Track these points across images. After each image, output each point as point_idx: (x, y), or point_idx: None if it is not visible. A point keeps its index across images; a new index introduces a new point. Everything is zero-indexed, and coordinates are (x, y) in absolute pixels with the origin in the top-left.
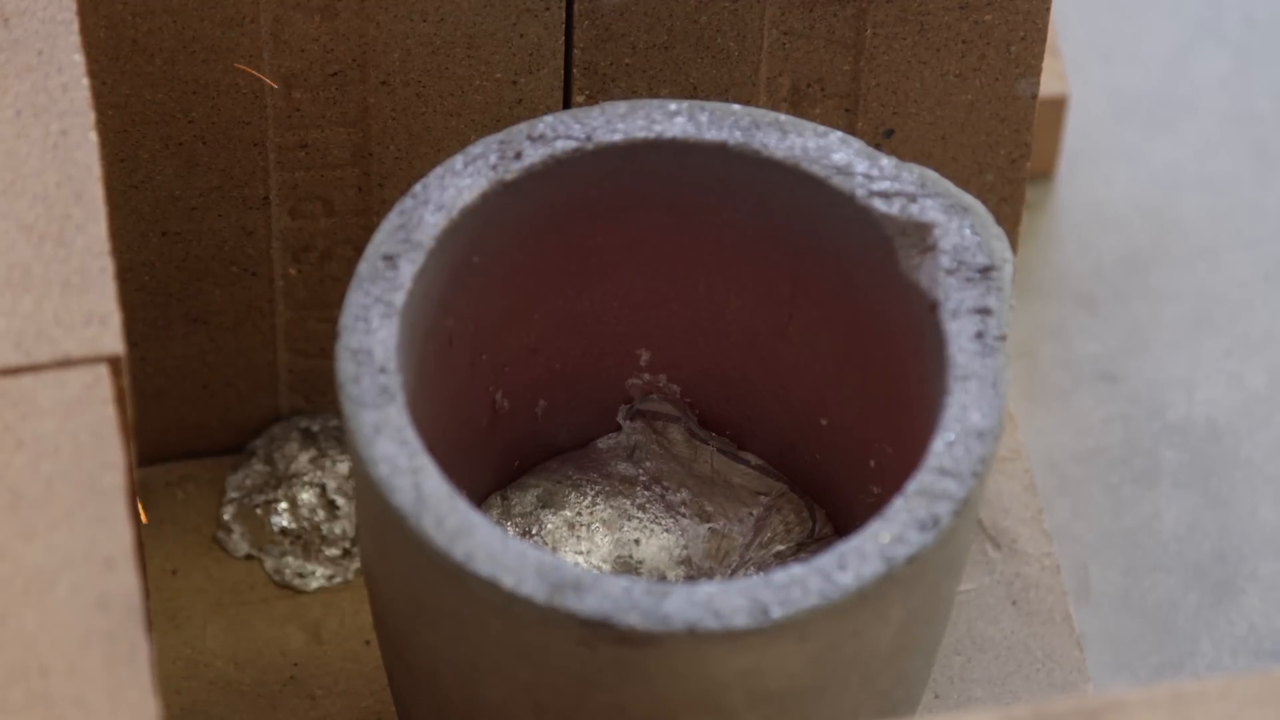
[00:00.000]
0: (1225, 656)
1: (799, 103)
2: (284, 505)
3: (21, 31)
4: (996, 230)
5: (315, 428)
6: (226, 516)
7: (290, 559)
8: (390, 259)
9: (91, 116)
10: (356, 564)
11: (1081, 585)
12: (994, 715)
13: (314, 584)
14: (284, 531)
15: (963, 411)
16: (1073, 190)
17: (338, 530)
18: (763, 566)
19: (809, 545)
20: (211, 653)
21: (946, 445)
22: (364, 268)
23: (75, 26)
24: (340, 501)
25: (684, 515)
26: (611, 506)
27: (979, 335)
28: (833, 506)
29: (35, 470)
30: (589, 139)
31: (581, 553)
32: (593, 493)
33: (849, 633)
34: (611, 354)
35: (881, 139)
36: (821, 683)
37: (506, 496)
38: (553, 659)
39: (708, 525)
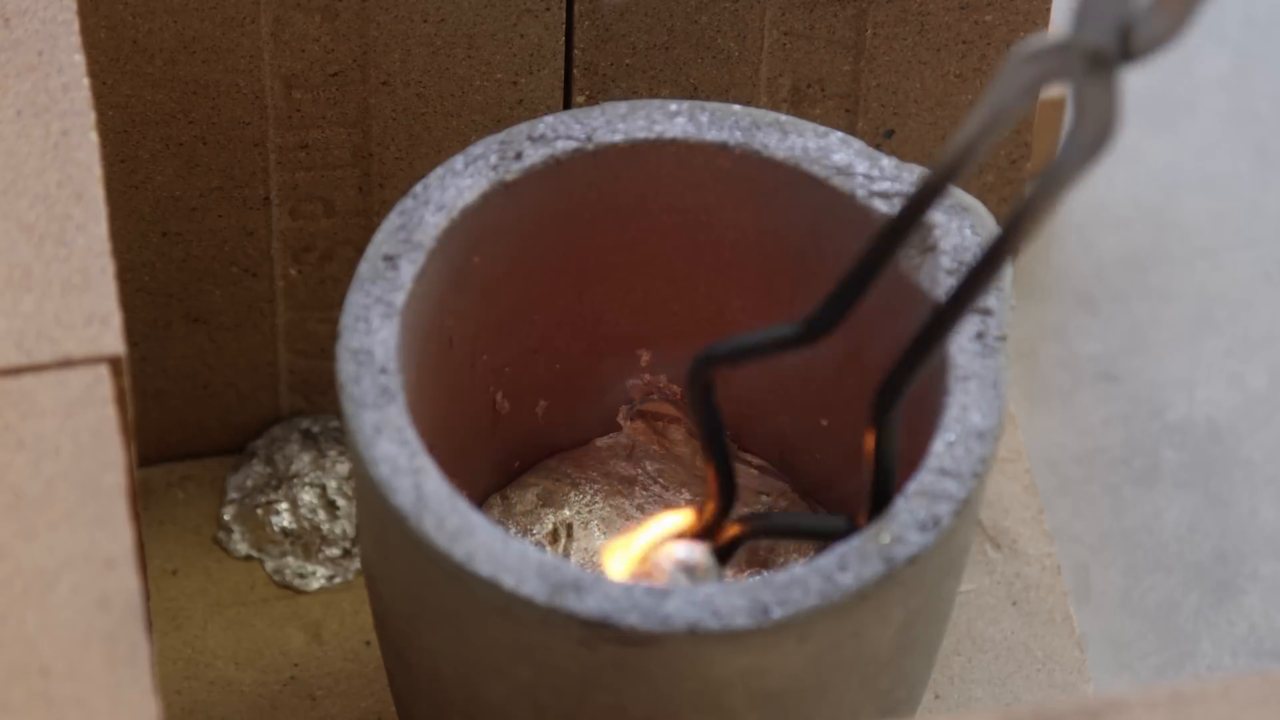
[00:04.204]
0: (1226, 656)
1: (799, 103)
2: (284, 506)
3: (22, 32)
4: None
5: (315, 428)
6: (227, 517)
7: (290, 559)
8: (391, 259)
9: (92, 117)
10: (357, 564)
11: (1082, 585)
12: (994, 715)
13: (314, 584)
14: (284, 532)
15: (963, 412)
16: (1073, 190)
17: (338, 530)
18: None
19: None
20: (212, 653)
21: (947, 446)
22: (364, 268)
23: (75, 27)
24: (340, 502)
25: None
26: (611, 506)
27: (979, 336)
28: (833, 507)
29: (36, 470)
30: (589, 139)
31: (581, 552)
32: (592, 491)
33: (849, 633)
34: (612, 354)
35: (882, 139)
36: (822, 683)
37: (507, 496)
38: (553, 659)
39: None
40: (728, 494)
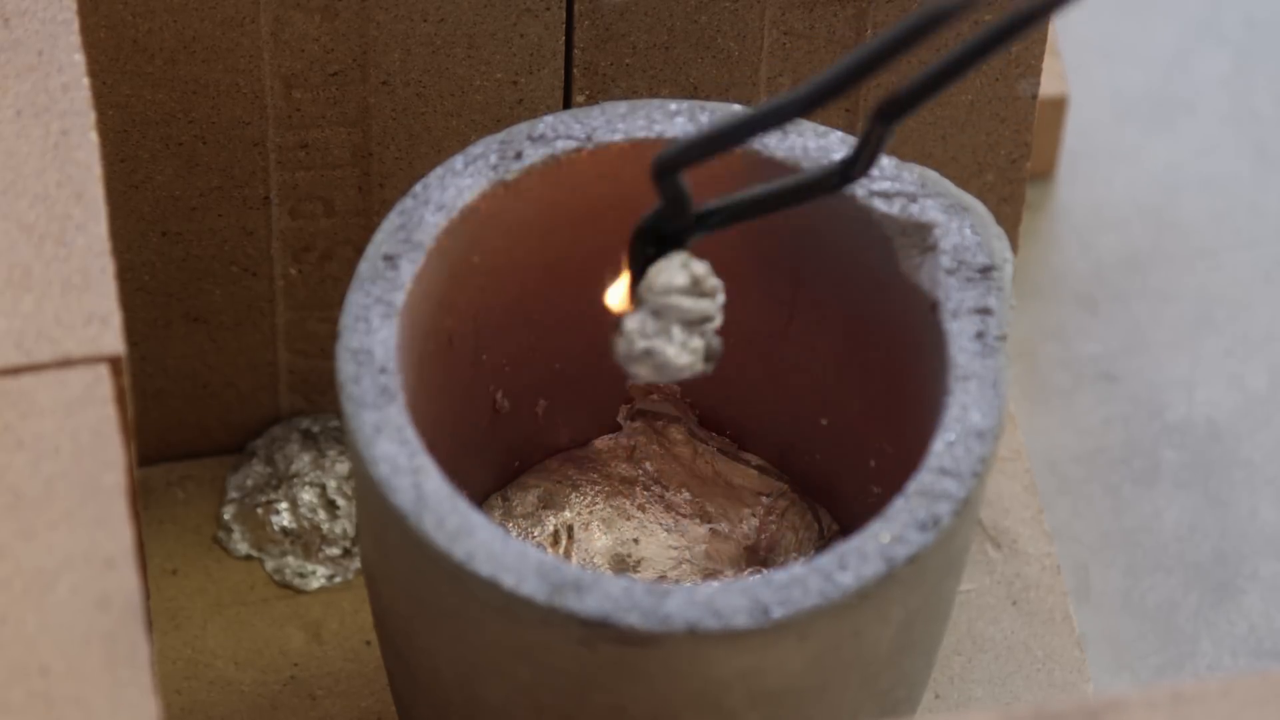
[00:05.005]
0: (1225, 656)
1: None
2: (284, 505)
3: (22, 31)
4: (997, 230)
5: (315, 428)
6: (227, 516)
7: (290, 559)
8: (391, 259)
9: (92, 116)
10: (356, 564)
11: (1082, 585)
12: (994, 715)
13: (314, 584)
14: (284, 531)
15: (963, 411)
16: (1073, 190)
17: (338, 530)
18: None
19: (823, 547)
20: (211, 653)
21: (947, 445)
22: (364, 268)
23: (75, 26)
24: (340, 501)
25: (684, 516)
26: (611, 506)
27: (979, 335)
28: (833, 506)
29: (35, 470)
30: (589, 139)
31: (582, 553)
32: (593, 493)
33: (849, 633)
34: (611, 354)
35: None
36: (822, 682)
37: (507, 497)
38: (553, 659)
39: (708, 525)
40: (681, 207)
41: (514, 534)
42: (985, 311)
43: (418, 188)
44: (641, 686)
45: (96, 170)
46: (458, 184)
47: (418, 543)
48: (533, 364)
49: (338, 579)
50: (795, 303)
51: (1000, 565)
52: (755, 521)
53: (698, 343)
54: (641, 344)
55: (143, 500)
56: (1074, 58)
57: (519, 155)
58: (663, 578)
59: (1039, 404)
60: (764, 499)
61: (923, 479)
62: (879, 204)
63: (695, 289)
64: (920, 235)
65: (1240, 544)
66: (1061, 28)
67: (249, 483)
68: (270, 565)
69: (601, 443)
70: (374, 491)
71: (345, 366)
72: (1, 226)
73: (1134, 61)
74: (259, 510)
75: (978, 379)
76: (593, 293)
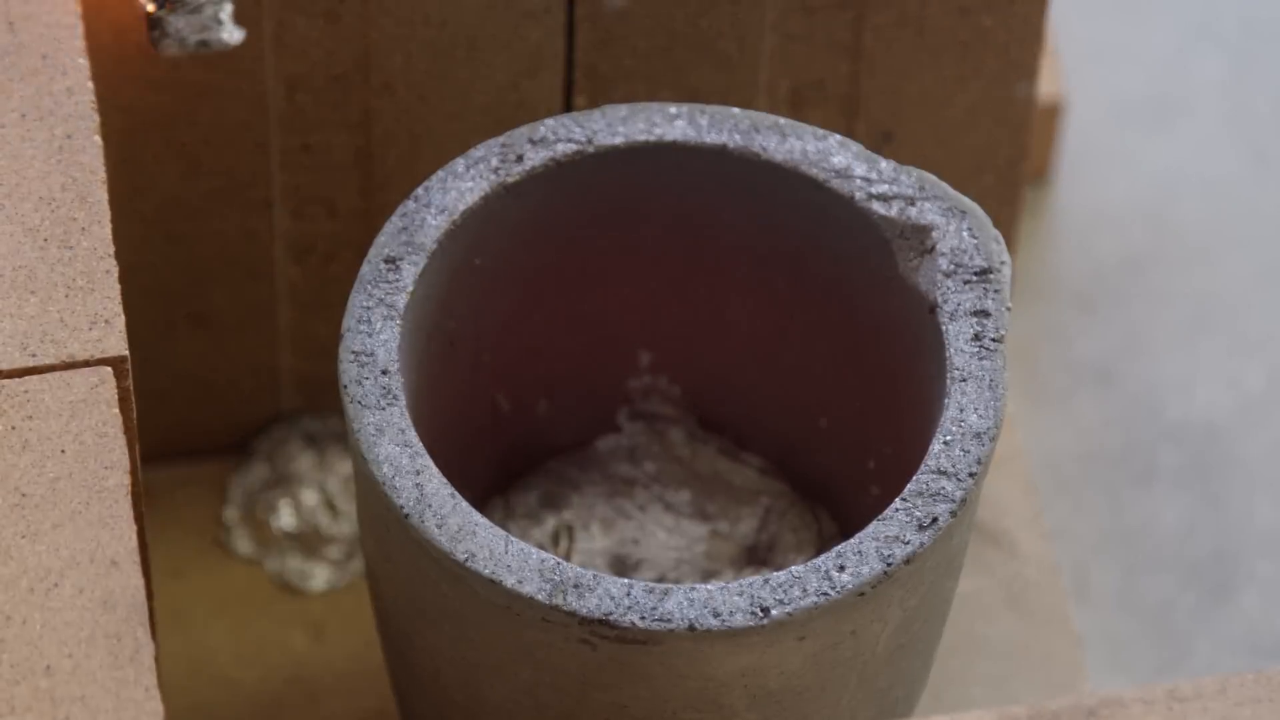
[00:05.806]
0: (1223, 656)
1: (798, 106)
2: (286, 506)
3: (26, 35)
4: (995, 232)
5: (317, 429)
6: (229, 518)
7: (292, 560)
8: (392, 261)
9: (96, 120)
10: (358, 564)
11: (1080, 585)
12: (992, 715)
13: (316, 585)
14: (286, 533)
15: (961, 413)
16: (1071, 192)
17: (339, 531)
18: None
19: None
20: (214, 653)
21: (945, 446)
22: (366, 270)
23: (79, 30)
24: (342, 502)
25: (684, 516)
26: (612, 507)
27: (977, 337)
28: (833, 506)
29: (40, 471)
30: (590, 142)
31: (582, 553)
32: (593, 493)
33: (848, 632)
34: (612, 355)
35: (881, 142)
36: (820, 682)
37: (508, 497)
38: (554, 658)
39: (709, 526)
40: None
41: (514, 534)
42: (983, 313)
43: (419, 190)
44: (641, 686)
45: (100, 173)
46: (459, 187)
47: (419, 543)
48: (534, 365)
49: (339, 580)
50: (795, 305)
51: (999, 566)
52: (755, 522)
53: (230, 9)
54: (195, 37)
55: (145, 501)
56: (1072, 60)
57: (520, 158)
58: (663, 578)
59: (1037, 405)
60: (764, 499)
61: (921, 480)
62: (878, 207)
63: None
64: (918, 237)
65: (1238, 544)
66: (1060, 30)
67: (251, 484)
68: (272, 566)
69: (601, 443)
70: (376, 492)
71: (347, 368)
72: (6, 229)
73: (1132, 63)
74: (261, 511)
75: (976, 380)
76: (594, 295)
